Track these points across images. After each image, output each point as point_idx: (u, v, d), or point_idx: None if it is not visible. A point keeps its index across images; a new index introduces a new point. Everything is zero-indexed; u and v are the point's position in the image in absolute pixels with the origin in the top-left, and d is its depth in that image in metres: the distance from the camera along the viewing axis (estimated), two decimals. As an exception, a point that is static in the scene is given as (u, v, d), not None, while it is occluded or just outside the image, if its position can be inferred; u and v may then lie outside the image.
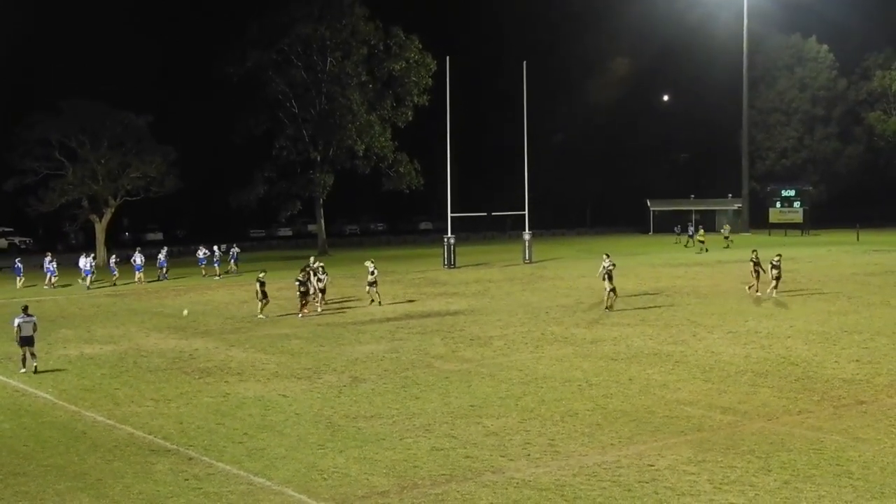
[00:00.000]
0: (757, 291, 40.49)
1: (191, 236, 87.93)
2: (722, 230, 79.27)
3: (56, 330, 35.40)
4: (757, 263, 40.82)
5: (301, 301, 37.82)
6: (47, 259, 54.16)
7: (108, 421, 21.09)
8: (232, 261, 59.30)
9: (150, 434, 19.84)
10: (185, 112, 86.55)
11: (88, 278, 52.56)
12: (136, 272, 54.16)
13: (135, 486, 16.39)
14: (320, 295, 39.20)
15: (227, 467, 17.39)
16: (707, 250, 68.63)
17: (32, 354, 26.87)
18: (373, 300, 40.84)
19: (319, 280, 39.32)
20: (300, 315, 37.39)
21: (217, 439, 19.35)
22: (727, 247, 71.62)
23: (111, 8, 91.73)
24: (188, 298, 45.87)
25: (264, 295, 38.12)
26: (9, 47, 77.93)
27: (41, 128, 67.32)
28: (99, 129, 68.99)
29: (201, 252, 58.25)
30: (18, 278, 53.48)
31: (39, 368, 26.73)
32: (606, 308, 36.89)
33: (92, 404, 22.71)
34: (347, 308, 40.10)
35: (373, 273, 40.75)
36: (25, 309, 27.11)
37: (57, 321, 38.07)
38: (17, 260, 55.92)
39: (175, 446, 18.87)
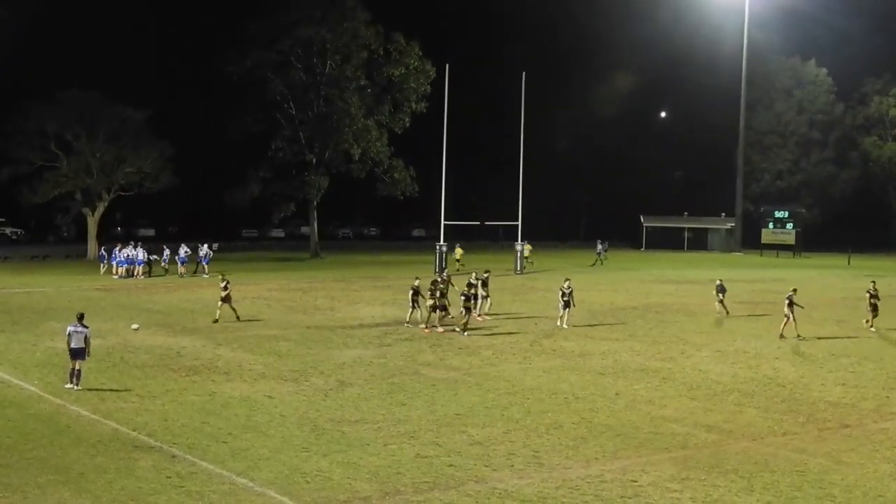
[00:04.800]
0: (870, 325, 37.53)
1: (183, 233, 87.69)
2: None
3: (44, 322, 35.34)
4: (873, 296, 37.65)
5: (461, 314, 34.32)
6: (129, 249, 56.63)
7: (93, 415, 21.04)
8: (202, 262, 57.66)
9: (134, 430, 19.79)
10: (182, 108, 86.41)
11: (139, 268, 55.53)
12: (180, 265, 56.68)
13: (117, 482, 16.35)
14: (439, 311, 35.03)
15: (211, 466, 17.36)
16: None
17: (78, 372, 23.70)
18: (216, 319, 36.32)
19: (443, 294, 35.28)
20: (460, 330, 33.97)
21: (201, 438, 19.31)
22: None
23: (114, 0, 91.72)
24: (178, 296, 45.79)
25: (415, 303, 35.62)
26: (8, 36, 77.71)
27: (38, 118, 67.00)
28: (96, 121, 68.72)
29: (182, 251, 58.27)
30: (102, 265, 56.54)
31: (73, 387, 23.51)
32: (786, 334, 34.29)
33: (77, 398, 22.64)
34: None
35: (225, 288, 36.65)
36: (81, 318, 24.20)
37: (46, 313, 38.00)
38: (102, 248, 59.19)
39: (159, 443, 18.83)
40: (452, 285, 37.78)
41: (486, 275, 39.72)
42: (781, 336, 34.31)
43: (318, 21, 73.42)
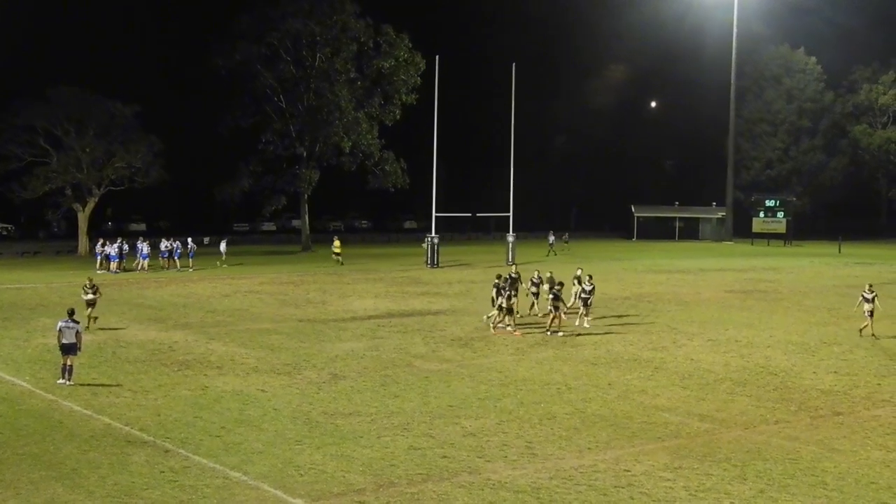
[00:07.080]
0: None
1: (174, 228, 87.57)
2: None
3: (35, 318, 35.26)
4: None
5: (553, 315, 32.28)
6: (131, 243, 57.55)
7: (85, 411, 21.00)
8: (165, 257, 57.56)
9: (126, 425, 19.76)
10: (172, 104, 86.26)
11: (145, 262, 56.15)
12: (172, 258, 56.97)
13: (110, 477, 16.32)
14: (503, 313, 33.07)
15: (204, 461, 17.34)
16: (342, 263, 61.83)
17: (70, 367, 23.67)
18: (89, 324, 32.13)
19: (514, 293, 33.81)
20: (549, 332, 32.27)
21: (194, 432, 19.29)
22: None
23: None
24: (169, 291, 45.72)
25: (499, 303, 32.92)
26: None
27: (27, 114, 66.83)
28: (85, 117, 68.56)
29: (163, 245, 58.27)
30: (113, 262, 55.79)
31: (65, 382, 23.39)
32: (864, 334, 32.40)
33: (69, 394, 22.59)
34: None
35: (94, 290, 33.26)
36: (71, 313, 24.16)
37: (37, 309, 37.92)
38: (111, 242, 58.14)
39: (152, 438, 18.80)
40: (521, 283, 36.59)
41: (579, 271, 36.79)
42: (861, 334, 32.57)
43: (307, 13, 73.32)
